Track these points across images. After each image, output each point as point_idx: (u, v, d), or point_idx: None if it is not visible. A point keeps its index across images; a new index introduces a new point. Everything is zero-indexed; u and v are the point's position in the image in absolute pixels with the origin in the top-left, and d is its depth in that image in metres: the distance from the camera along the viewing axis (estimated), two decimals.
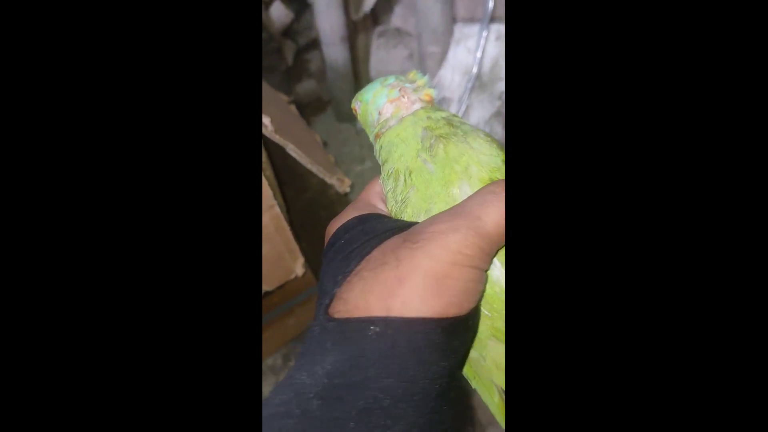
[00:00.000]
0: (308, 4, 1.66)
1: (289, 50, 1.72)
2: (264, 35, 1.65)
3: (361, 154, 1.72)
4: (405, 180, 0.38)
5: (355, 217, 0.40)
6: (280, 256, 1.00)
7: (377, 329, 0.30)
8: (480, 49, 1.35)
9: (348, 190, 1.06)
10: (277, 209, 0.94)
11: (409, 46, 1.65)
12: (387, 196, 0.41)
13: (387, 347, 0.30)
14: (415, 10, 1.48)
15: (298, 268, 1.03)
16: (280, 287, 1.15)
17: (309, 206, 1.62)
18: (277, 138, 0.91)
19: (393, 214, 0.40)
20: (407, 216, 0.38)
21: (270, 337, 1.28)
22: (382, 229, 0.35)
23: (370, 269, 0.33)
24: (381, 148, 0.41)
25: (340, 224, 0.41)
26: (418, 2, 1.43)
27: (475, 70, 1.36)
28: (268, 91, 1.25)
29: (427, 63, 1.56)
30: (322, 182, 1.67)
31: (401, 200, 0.39)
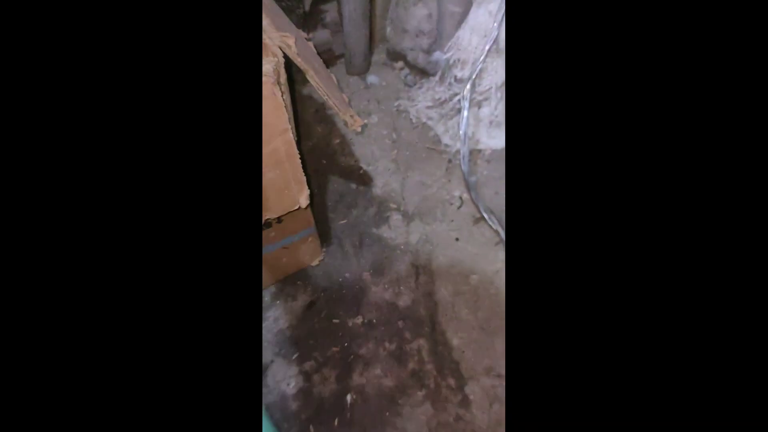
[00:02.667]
0: None
1: None
2: None
3: (368, 108, 1.71)
4: None
5: None
6: (287, 184, 0.99)
7: None
8: (501, 13, 1.34)
9: (359, 129, 1.06)
10: (290, 135, 0.93)
11: (429, 5, 1.64)
12: None
13: None
14: None
15: (303, 199, 1.03)
16: (279, 222, 1.15)
17: (311, 154, 1.61)
18: (299, 61, 0.90)
19: None
20: None
21: (263, 273, 1.29)
22: None
23: None
24: None
25: None
26: None
27: (494, 33, 1.35)
28: (290, 25, 1.23)
29: (446, 22, 1.55)
30: (328, 131, 1.66)
31: None
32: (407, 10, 1.69)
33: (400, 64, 1.82)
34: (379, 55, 1.89)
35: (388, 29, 1.78)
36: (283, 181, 0.98)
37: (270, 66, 0.84)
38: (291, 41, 0.88)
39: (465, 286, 1.31)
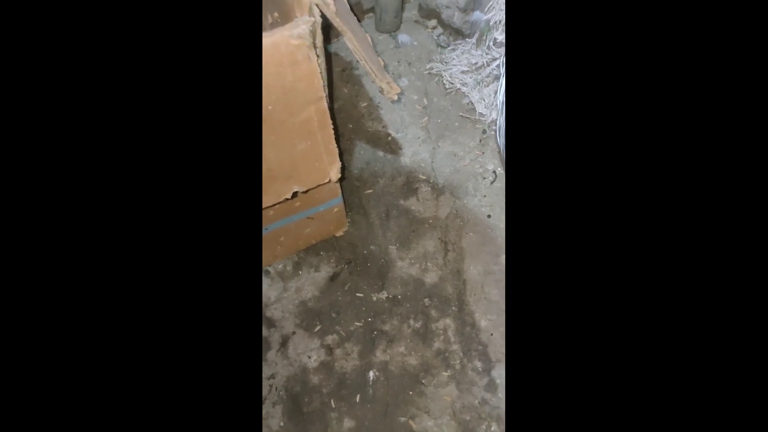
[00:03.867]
0: None
1: None
2: None
3: (398, 70, 1.61)
4: None
5: None
6: (318, 156, 0.93)
7: None
8: None
9: (395, 98, 0.98)
10: (325, 103, 0.86)
11: None
12: None
13: None
14: None
15: (334, 173, 0.96)
16: (305, 192, 1.09)
17: (337, 116, 1.53)
18: (337, 21, 0.82)
19: None
20: None
21: (285, 242, 1.24)
22: None
23: None
24: None
25: None
26: None
27: None
28: None
29: None
30: (355, 93, 1.57)
31: None
32: None
33: (433, 22, 1.71)
34: (410, 12, 1.77)
35: None
36: (314, 152, 0.92)
37: (306, 27, 0.75)
38: None
39: (495, 266, 1.26)
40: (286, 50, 0.76)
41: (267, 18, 1.02)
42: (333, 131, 0.91)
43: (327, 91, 0.88)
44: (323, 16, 0.81)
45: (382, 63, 1.06)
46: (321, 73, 0.83)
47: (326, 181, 0.98)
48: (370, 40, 1.09)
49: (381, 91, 0.96)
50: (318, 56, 0.82)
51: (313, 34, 0.78)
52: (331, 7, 0.80)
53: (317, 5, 0.79)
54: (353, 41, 0.86)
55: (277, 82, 0.78)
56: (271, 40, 0.74)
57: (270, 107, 0.81)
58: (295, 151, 0.89)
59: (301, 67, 0.79)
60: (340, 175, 0.98)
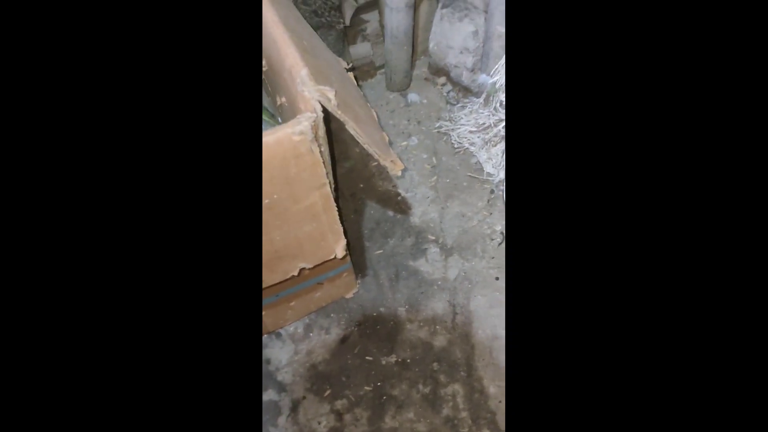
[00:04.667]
0: None
1: (349, 8, 1.63)
2: None
3: (408, 129, 1.66)
4: None
5: None
6: (323, 236, 0.96)
7: None
8: None
9: (399, 173, 1.01)
10: (328, 188, 0.90)
11: (476, 22, 1.55)
12: None
13: None
14: None
15: (339, 250, 1.00)
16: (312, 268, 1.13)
17: (348, 176, 1.58)
18: (339, 114, 0.86)
19: None
20: None
21: (296, 306, 1.27)
22: None
23: None
24: None
25: None
26: None
27: None
28: (330, 58, 1.18)
29: (493, 43, 1.47)
30: (365, 153, 1.61)
31: None
32: (452, 25, 1.61)
33: (442, 79, 1.75)
34: (420, 69, 1.82)
35: (432, 44, 1.71)
36: (319, 233, 0.95)
37: (308, 123, 0.80)
38: (331, 94, 0.84)
39: (503, 331, 1.26)
40: (289, 145, 0.80)
41: (277, 100, 1.07)
42: (337, 211, 0.94)
43: (331, 175, 0.92)
44: (325, 110, 0.85)
45: (387, 138, 1.10)
46: (324, 162, 0.87)
47: (332, 257, 1.01)
48: (375, 116, 1.13)
49: (386, 168, 0.99)
50: (320, 145, 0.86)
51: (315, 128, 0.82)
52: (332, 101, 0.84)
53: (319, 101, 0.83)
54: (355, 129, 0.89)
55: (282, 174, 0.83)
56: (274, 137, 0.78)
57: (275, 196, 0.85)
58: (301, 232, 0.92)
59: (304, 159, 0.83)
60: (345, 252, 1.01)
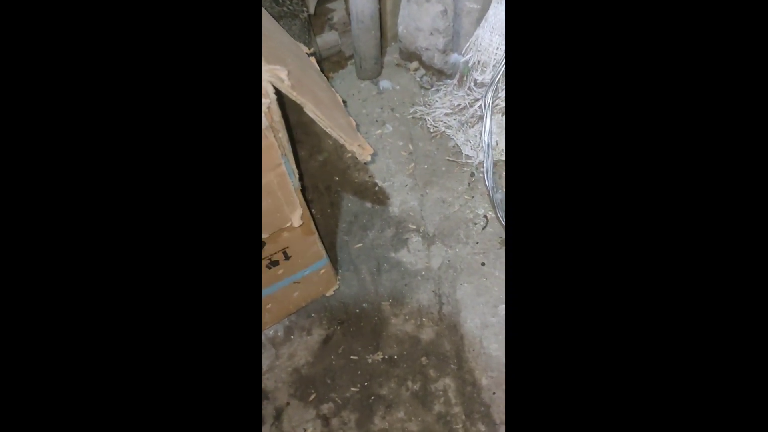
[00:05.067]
0: None
1: None
2: None
3: (381, 117, 1.59)
4: None
5: None
6: (279, 209, 0.95)
7: None
8: None
9: (369, 158, 0.95)
10: (283, 168, 0.84)
11: (444, 1, 1.49)
12: None
13: None
14: None
15: (296, 218, 0.97)
16: (287, 259, 1.06)
17: (322, 169, 1.51)
18: (294, 95, 0.79)
19: None
20: None
21: (273, 308, 1.20)
22: None
23: None
24: None
25: None
26: None
27: None
28: (287, 41, 1.11)
29: (463, 20, 1.41)
30: (339, 144, 1.55)
31: None
32: (420, 6, 1.55)
33: (415, 64, 1.69)
34: (391, 56, 1.75)
35: (400, 27, 1.64)
36: (275, 206, 0.93)
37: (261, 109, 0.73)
38: (283, 74, 0.77)
39: (493, 318, 1.20)
40: None
41: None
42: (292, 188, 0.90)
43: (290, 154, 0.86)
44: (278, 92, 0.78)
45: (354, 123, 1.04)
46: (280, 145, 0.81)
47: (288, 224, 0.97)
48: (339, 100, 1.07)
49: (353, 154, 0.92)
50: (276, 131, 0.80)
51: (269, 115, 0.76)
52: (285, 82, 0.77)
53: (270, 82, 0.77)
54: (315, 112, 0.83)
55: None
56: None
57: None
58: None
59: None
60: (302, 222, 0.96)
